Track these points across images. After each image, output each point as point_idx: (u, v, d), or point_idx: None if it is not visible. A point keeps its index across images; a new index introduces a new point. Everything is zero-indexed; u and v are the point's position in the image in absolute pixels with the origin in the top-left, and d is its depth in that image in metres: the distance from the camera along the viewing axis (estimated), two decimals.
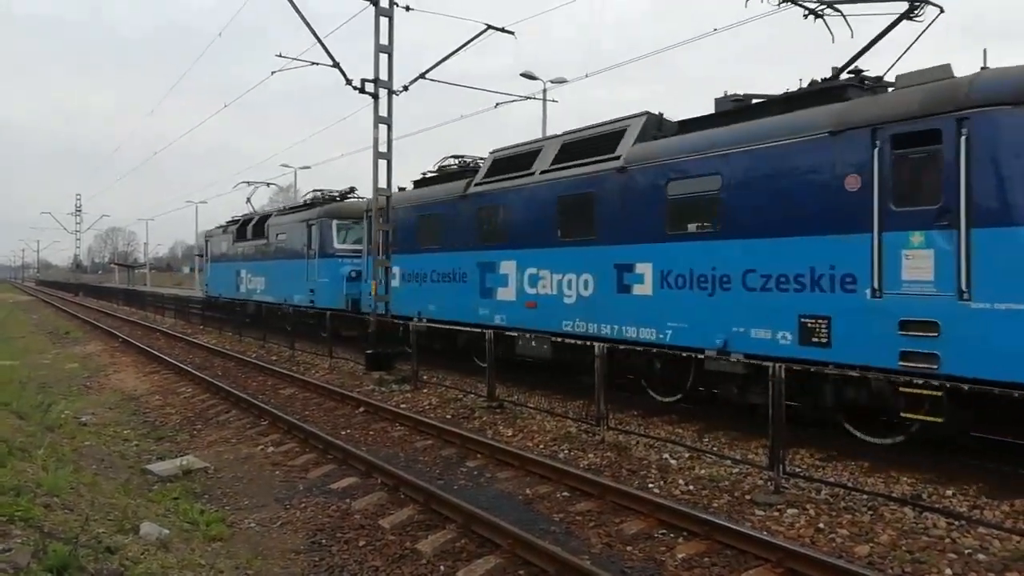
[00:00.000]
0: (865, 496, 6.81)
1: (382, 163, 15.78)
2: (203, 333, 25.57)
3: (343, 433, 10.14)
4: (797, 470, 7.59)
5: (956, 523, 6.15)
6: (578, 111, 59.35)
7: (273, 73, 17.93)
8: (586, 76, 25.35)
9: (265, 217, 25.91)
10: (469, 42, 15.83)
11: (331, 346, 16.99)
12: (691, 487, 7.37)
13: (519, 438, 9.68)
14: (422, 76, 16.46)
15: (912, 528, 6.10)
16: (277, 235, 23.57)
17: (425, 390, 13.19)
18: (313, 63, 17.05)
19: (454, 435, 9.40)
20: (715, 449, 8.63)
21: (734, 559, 5.53)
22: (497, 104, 21.70)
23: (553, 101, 27.64)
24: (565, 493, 7.18)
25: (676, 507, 6.37)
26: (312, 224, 20.95)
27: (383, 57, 15.48)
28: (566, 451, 8.90)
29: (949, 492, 7.03)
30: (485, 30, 15.61)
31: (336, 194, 22.37)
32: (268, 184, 31.61)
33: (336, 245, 19.99)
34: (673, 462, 8.23)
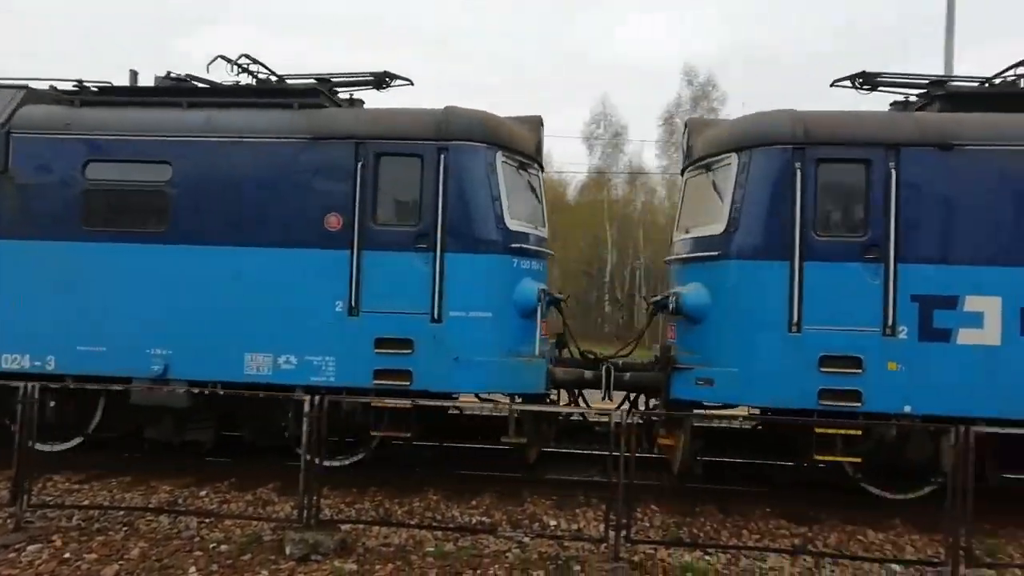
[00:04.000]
0: (122, 512, 6.72)
1: None
2: None
3: None
4: (48, 499, 6.99)
5: (206, 521, 6.59)
6: None
7: None
8: None
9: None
10: None
11: None
12: None
13: None
14: None
15: (167, 535, 6.30)
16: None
17: None
18: None
19: None
20: None
21: None
22: None
23: None
24: None
25: None
26: (423, 153, 7.49)
27: None
28: None
29: (203, 493, 7.42)
30: None
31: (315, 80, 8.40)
32: None
33: (510, 221, 7.63)
34: None
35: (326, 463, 7.70)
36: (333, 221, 7.53)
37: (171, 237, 7.67)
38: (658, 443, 7.95)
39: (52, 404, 7.80)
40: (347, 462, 8.03)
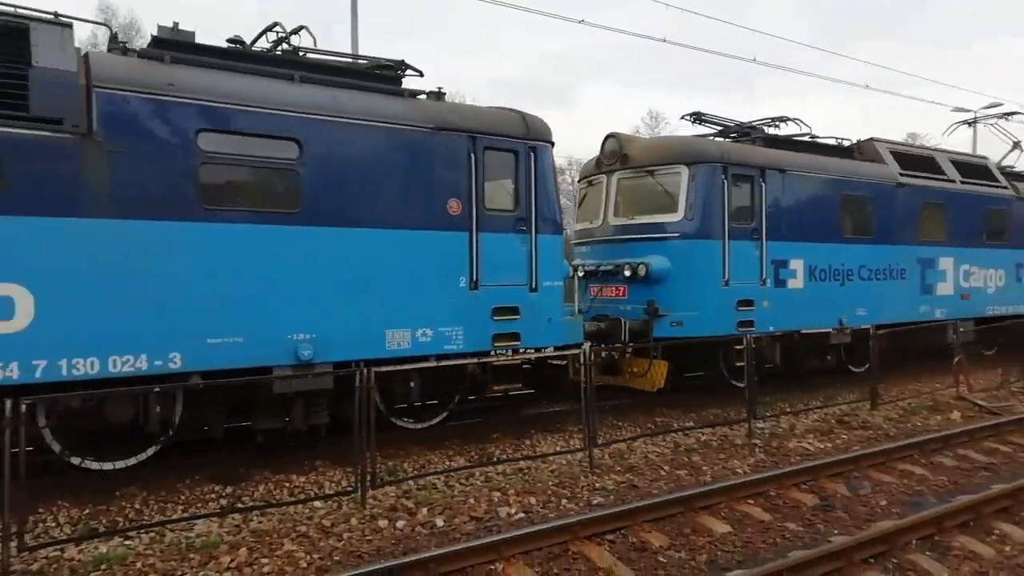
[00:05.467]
0: None
1: None
2: None
3: None
4: None
5: None
6: None
7: None
8: None
9: None
10: None
11: None
12: None
13: None
14: None
15: None
16: None
17: None
18: None
19: None
20: None
21: None
22: None
23: None
24: None
25: None
26: (518, 150, 8.78)
27: None
28: None
29: None
30: None
31: None
32: None
33: None
34: None
35: (417, 426, 8.72)
36: (454, 206, 8.37)
37: (304, 218, 7.40)
38: (630, 371, 10.95)
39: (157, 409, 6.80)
40: (433, 422, 8.95)
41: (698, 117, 12.63)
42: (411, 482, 7.20)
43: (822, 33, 78.61)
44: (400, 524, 6.05)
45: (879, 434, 9.72)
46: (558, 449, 8.63)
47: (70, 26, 6.57)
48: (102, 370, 6.37)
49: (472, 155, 8.49)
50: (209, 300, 6.86)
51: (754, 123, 13.05)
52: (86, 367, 6.31)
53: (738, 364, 11.07)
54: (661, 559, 5.49)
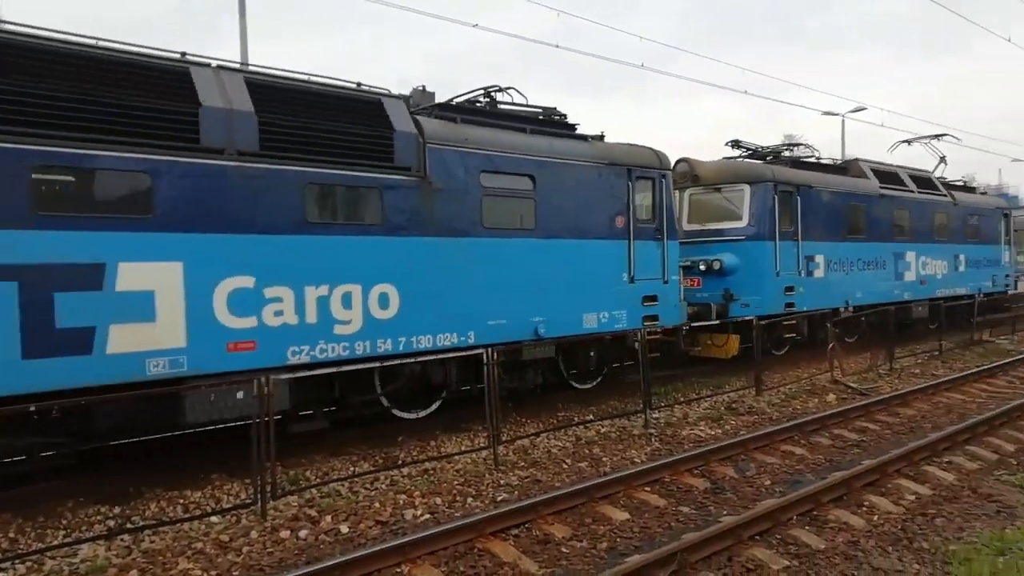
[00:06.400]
0: None
1: None
2: None
3: None
4: None
5: None
6: None
7: None
8: None
9: None
10: None
11: None
12: None
13: None
14: None
15: None
16: None
17: None
18: None
19: None
20: None
21: None
22: None
23: None
24: None
25: None
26: (654, 177, 12.05)
27: None
28: None
29: None
30: None
31: None
32: None
33: None
34: None
35: (585, 385, 11.61)
36: (619, 221, 11.30)
37: (538, 233, 10.17)
38: (710, 344, 14.18)
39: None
40: (593, 384, 11.89)
41: (736, 143, 16.00)
42: (314, 490, 7.10)
43: (707, 39, 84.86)
44: (303, 534, 5.99)
45: (763, 418, 10.44)
46: (463, 448, 8.75)
47: (398, 97, 9.10)
48: (433, 345, 9.01)
49: (629, 182, 11.45)
50: (488, 293, 9.57)
51: (773, 148, 16.56)
52: (425, 342, 8.94)
53: (786, 335, 14.58)
54: (564, 549, 5.68)
